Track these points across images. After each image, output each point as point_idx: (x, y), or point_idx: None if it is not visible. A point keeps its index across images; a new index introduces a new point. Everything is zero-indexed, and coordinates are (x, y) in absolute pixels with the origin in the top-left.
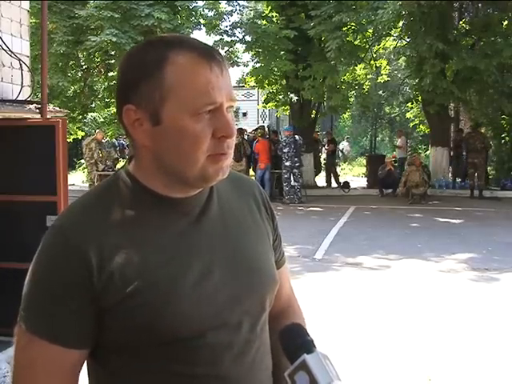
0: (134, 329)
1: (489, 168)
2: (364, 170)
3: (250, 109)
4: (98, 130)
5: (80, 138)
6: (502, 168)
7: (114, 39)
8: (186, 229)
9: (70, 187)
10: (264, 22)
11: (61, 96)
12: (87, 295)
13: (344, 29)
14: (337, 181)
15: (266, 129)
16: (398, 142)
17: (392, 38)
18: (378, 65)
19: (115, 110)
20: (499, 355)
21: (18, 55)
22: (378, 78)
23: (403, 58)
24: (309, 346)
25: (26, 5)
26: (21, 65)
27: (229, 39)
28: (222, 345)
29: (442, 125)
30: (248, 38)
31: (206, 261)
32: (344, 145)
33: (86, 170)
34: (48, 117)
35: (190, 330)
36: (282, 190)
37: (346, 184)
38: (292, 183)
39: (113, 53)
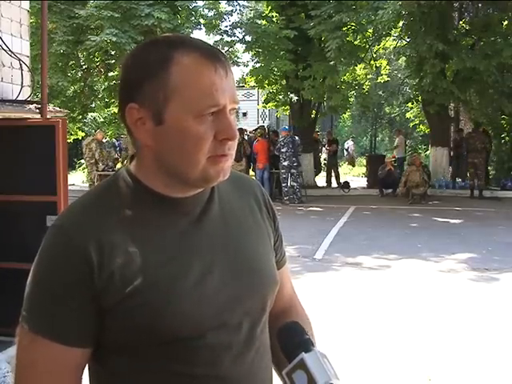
0: (133, 329)
1: (489, 168)
2: (364, 169)
3: (250, 109)
4: (98, 130)
5: (80, 138)
6: (502, 168)
7: (114, 39)
8: (186, 229)
9: (70, 187)
10: (264, 21)
11: (61, 96)
12: (88, 293)
13: (344, 29)
14: (338, 181)
15: (266, 129)
16: (396, 141)
17: (392, 38)
18: (377, 65)
19: (117, 109)
20: (499, 355)
21: (18, 55)
22: (377, 78)
23: (403, 58)
24: (307, 345)
25: (26, 5)
26: (21, 65)
27: (229, 39)
28: (222, 345)
29: (441, 125)
30: (248, 38)
31: (207, 261)
32: (349, 144)
33: (86, 170)
34: (48, 117)
35: (190, 330)
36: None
37: (346, 184)
38: (291, 183)
39: (113, 53)
